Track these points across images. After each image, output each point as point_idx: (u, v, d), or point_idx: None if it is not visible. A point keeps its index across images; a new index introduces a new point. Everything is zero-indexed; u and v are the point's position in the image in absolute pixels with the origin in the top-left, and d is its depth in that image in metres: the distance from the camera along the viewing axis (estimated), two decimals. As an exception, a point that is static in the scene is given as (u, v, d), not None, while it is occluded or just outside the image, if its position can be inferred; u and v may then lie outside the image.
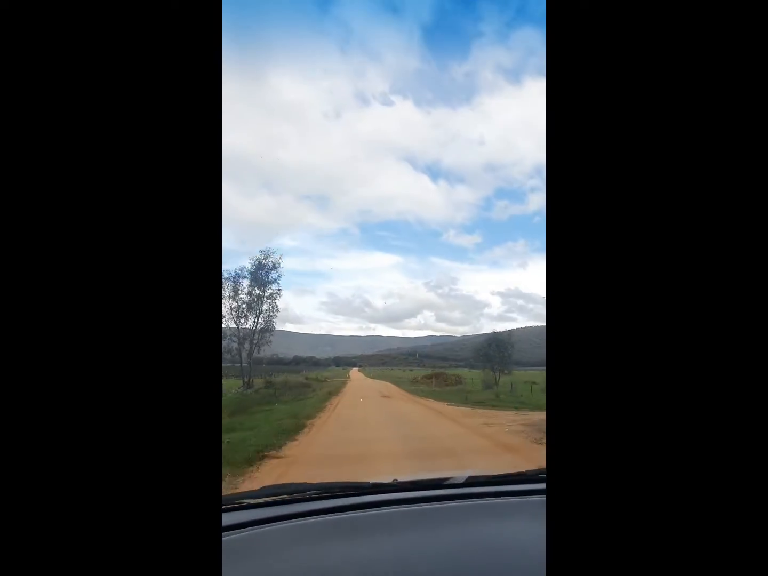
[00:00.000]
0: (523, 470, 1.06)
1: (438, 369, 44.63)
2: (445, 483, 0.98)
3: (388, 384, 30.44)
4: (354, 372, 77.51)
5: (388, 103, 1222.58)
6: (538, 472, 1.03)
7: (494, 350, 22.93)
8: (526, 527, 0.76)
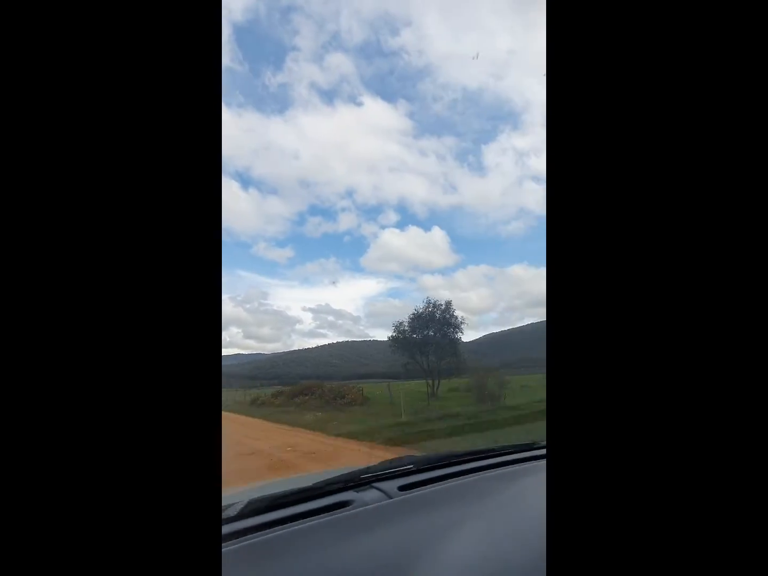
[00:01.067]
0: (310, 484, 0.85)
1: (274, 387, 32.52)
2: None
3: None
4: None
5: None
6: (325, 484, 0.85)
7: (448, 324, 13.26)
8: (321, 559, 0.62)
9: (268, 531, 0.70)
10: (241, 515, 0.74)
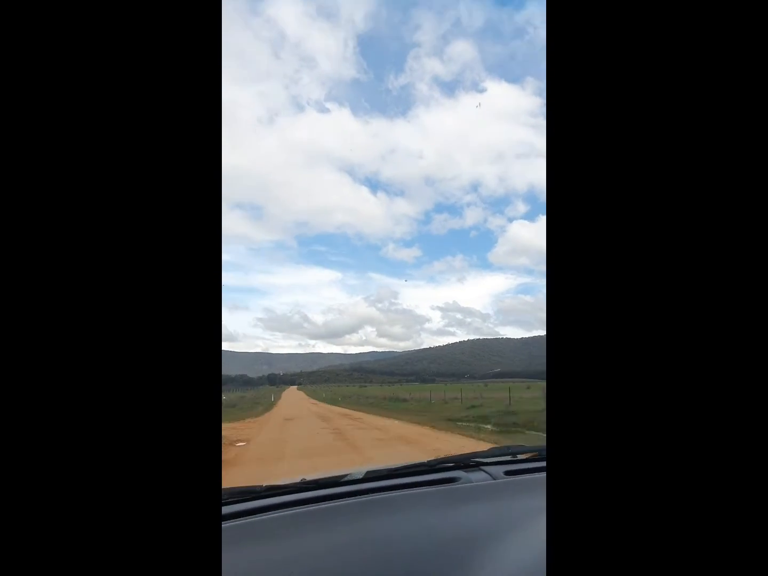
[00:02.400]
0: (424, 460, 1.04)
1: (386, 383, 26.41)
2: (344, 480, 0.93)
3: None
4: (291, 392, 54.56)
5: (323, 110, 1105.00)
6: (438, 462, 1.03)
7: None
8: (429, 519, 0.76)
9: (381, 493, 0.86)
10: (362, 480, 0.91)
